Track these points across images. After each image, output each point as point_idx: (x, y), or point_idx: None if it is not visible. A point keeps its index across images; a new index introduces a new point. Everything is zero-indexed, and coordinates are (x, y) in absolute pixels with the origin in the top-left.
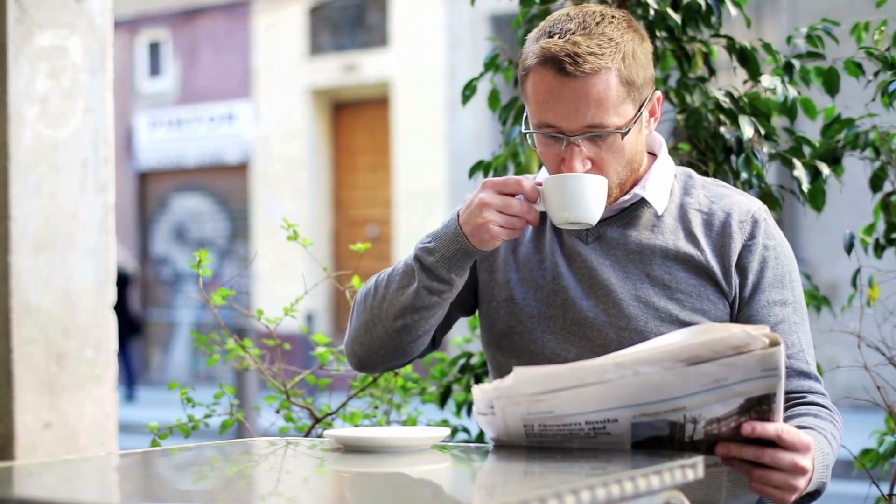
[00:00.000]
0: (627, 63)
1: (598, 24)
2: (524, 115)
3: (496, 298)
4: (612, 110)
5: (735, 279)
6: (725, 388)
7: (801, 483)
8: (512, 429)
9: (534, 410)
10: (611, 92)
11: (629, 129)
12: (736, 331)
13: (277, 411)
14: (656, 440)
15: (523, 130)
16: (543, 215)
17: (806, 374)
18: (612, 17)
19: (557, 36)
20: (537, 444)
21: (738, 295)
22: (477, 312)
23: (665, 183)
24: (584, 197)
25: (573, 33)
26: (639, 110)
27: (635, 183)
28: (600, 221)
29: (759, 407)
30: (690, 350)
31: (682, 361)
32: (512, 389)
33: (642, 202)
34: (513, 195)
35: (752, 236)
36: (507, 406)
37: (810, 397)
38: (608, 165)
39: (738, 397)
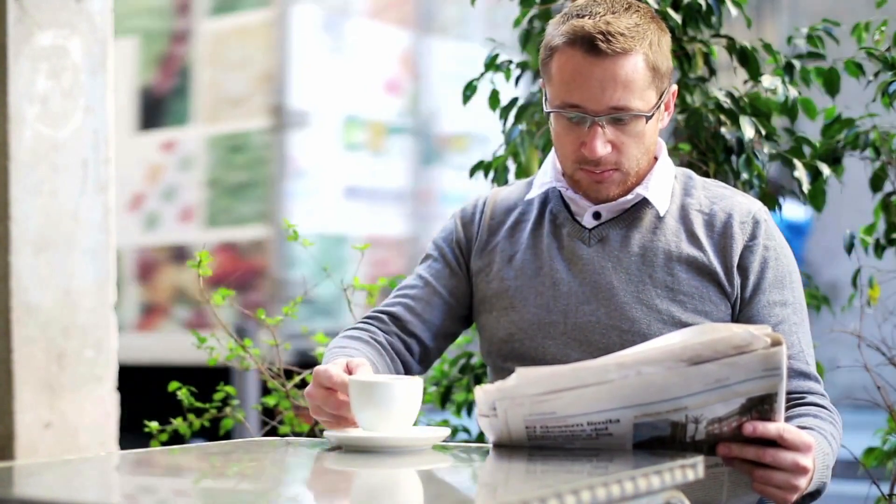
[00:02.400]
0: (654, 49)
1: (626, 10)
2: (544, 98)
3: (495, 308)
4: (638, 94)
5: (736, 280)
6: (727, 387)
7: (803, 483)
8: (514, 431)
9: (536, 411)
10: (638, 75)
11: (653, 115)
12: (738, 330)
13: (278, 411)
14: (658, 440)
15: (546, 110)
16: (541, 217)
17: (806, 375)
18: (637, 6)
19: (587, 17)
20: (538, 447)
21: (739, 295)
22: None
23: (666, 184)
24: (390, 408)
25: (603, 16)
26: (660, 98)
27: (636, 183)
28: (603, 223)
29: (761, 407)
30: (692, 350)
31: (684, 361)
32: (515, 390)
33: (644, 203)
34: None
35: (753, 237)
36: (509, 407)
37: (810, 398)
38: (628, 150)
39: (740, 397)
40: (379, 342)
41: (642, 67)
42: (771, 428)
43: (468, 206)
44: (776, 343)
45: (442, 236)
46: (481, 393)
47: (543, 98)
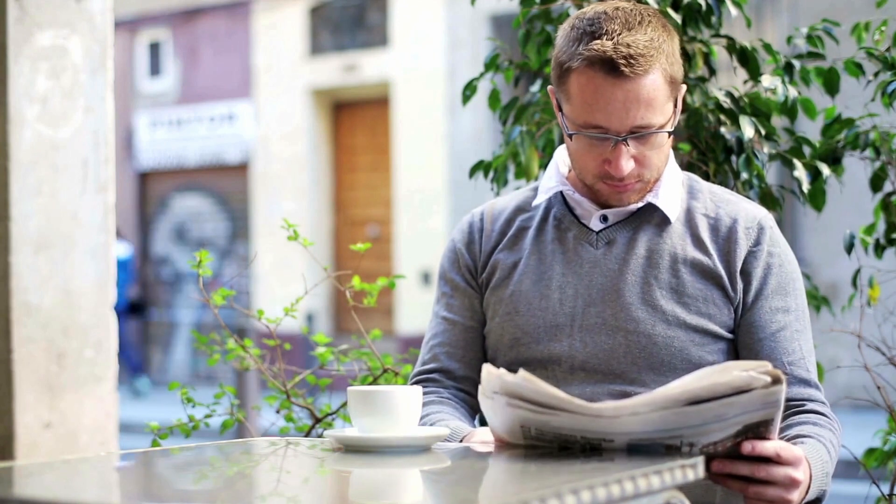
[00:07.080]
0: (670, 61)
1: (640, 23)
2: (560, 113)
3: (499, 314)
4: (659, 109)
5: (739, 284)
6: (725, 420)
7: (795, 496)
8: (511, 424)
9: (531, 417)
10: (659, 92)
11: (673, 127)
12: (738, 373)
13: (278, 411)
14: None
15: (567, 132)
16: (544, 222)
17: (806, 382)
18: (649, 14)
19: (605, 37)
20: (532, 445)
21: (741, 300)
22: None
23: (675, 190)
24: (389, 414)
25: (620, 34)
26: (675, 106)
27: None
28: (610, 226)
29: (757, 429)
30: (691, 393)
31: (681, 402)
32: (515, 388)
33: (651, 206)
34: None
35: (757, 242)
36: (507, 405)
37: (810, 405)
38: (650, 162)
39: (738, 425)
40: (447, 398)
41: (661, 83)
42: (769, 447)
43: (464, 228)
44: (776, 381)
45: (448, 267)
46: (487, 374)
47: (559, 112)
